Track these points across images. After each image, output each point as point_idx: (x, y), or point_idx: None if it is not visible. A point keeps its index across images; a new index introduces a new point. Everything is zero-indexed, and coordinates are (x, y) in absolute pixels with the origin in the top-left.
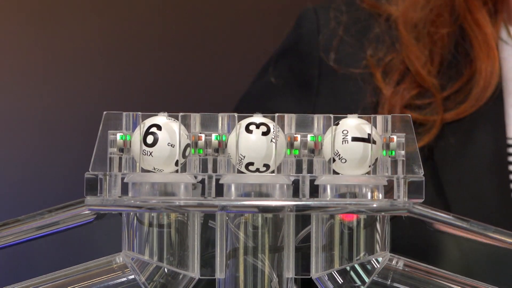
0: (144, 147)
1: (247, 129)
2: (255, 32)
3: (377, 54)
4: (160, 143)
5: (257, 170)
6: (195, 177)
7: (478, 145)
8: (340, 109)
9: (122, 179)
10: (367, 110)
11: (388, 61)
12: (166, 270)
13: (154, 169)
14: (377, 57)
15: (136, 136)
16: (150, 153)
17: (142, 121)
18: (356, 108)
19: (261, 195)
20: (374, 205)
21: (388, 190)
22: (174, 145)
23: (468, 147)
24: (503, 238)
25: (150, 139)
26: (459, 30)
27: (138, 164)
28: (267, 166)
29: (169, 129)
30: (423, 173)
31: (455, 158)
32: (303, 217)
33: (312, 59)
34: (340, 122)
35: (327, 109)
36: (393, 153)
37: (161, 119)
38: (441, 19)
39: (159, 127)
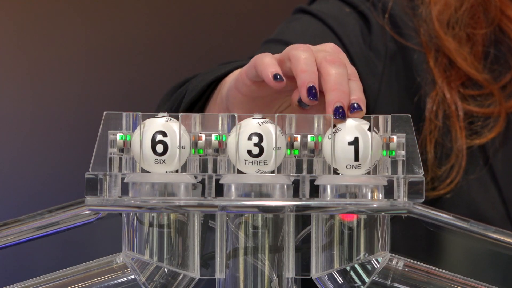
0: (156, 157)
1: None
2: (255, 32)
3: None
4: (170, 149)
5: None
6: (195, 177)
7: None
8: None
9: (122, 179)
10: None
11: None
12: (166, 270)
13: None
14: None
15: (136, 137)
16: (163, 161)
17: (142, 121)
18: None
19: (261, 195)
20: (374, 205)
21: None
22: (184, 146)
23: None
24: (503, 238)
25: (160, 148)
26: (498, 28)
27: (138, 164)
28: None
29: (174, 132)
30: (423, 173)
31: None
32: (303, 217)
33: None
34: None
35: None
36: (393, 153)
37: (161, 123)
38: (477, 20)
39: (164, 134)
